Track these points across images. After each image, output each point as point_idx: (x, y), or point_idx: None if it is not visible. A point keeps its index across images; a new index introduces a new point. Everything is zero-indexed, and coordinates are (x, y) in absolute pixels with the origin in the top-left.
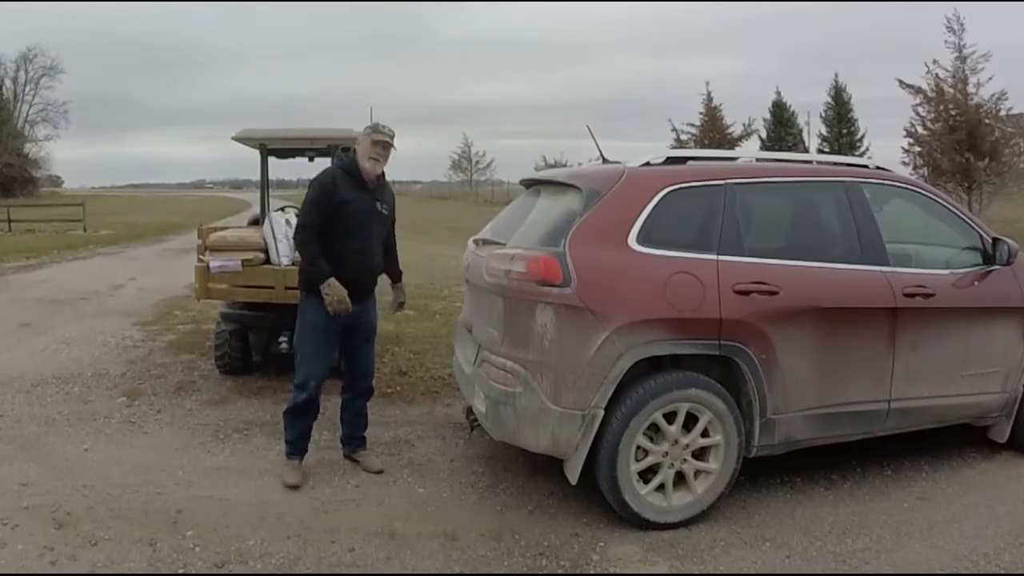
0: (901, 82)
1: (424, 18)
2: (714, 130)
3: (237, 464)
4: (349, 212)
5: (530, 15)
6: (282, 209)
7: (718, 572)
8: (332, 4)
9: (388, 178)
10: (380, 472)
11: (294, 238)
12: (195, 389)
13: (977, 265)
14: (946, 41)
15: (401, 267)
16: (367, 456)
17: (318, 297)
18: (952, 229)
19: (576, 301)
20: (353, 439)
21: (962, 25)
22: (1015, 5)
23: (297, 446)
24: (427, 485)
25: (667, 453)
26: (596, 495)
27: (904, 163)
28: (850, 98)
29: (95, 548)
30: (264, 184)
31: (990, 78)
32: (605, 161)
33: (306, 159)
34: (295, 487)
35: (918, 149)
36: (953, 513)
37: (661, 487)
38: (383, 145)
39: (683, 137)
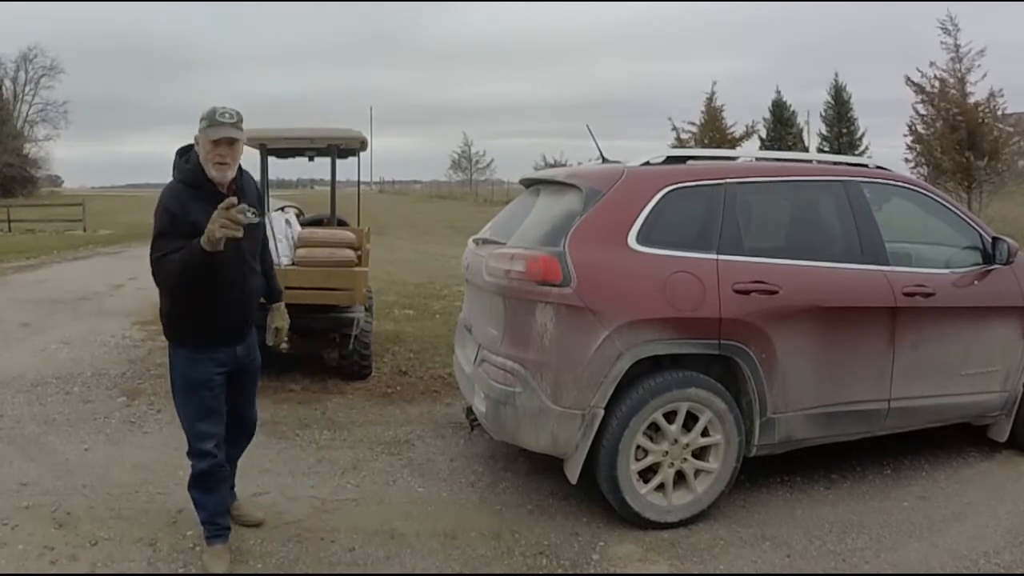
0: (908, 79)
1: (423, 19)
2: (714, 130)
3: None
4: None
5: (529, 15)
6: (282, 209)
7: (718, 572)
8: (330, 5)
9: (388, 178)
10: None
11: (155, 277)
12: None
13: (977, 264)
14: (942, 43)
15: (407, 267)
16: (242, 506)
17: (192, 349)
18: (952, 228)
19: (576, 300)
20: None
21: (956, 26)
22: (1011, 5)
23: (218, 524)
24: (427, 484)
25: (667, 452)
26: (596, 495)
27: (906, 160)
28: (850, 97)
29: (95, 548)
30: (264, 184)
31: (984, 75)
32: (605, 161)
33: (306, 159)
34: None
35: (919, 148)
36: (953, 512)
37: (661, 486)
38: (227, 142)
39: (683, 137)
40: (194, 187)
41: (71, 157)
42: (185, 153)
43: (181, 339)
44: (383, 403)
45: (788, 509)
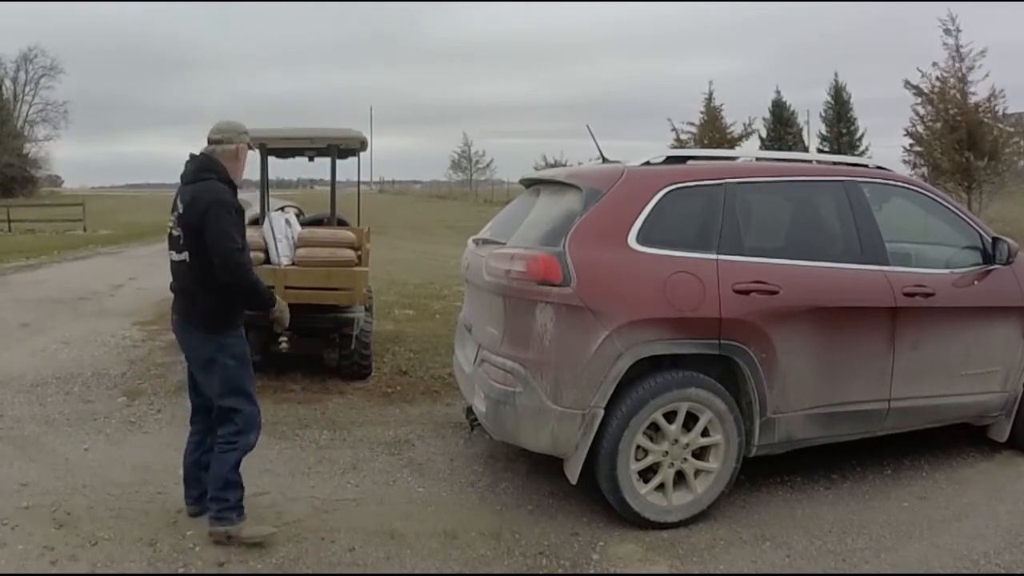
0: (907, 82)
1: (423, 19)
2: (714, 130)
3: None
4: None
5: (529, 15)
6: (282, 209)
7: (718, 572)
8: (330, 5)
9: (388, 178)
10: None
11: (236, 268)
12: None
13: (977, 264)
14: (944, 43)
15: (407, 267)
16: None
17: (238, 329)
18: (952, 228)
19: (576, 300)
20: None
21: (958, 28)
22: (1012, 5)
23: (243, 503)
24: (427, 484)
25: (667, 452)
26: (596, 495)
27: (905, 162)
28: (850, 97)
29: (95, 548)
30: (264, 184)
31: (986, 75)
32: (605, 161)
33: (306, 159)
34: (273, 531)
35: (918, 149)
36: (953, 512)
37: (661, 486)
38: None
39: (683, 137)
40: (229, 185)
41: (71, 157)
42: (196, 159)
43: (232, 323)
44: (383, 403)
45: (788, 509)
